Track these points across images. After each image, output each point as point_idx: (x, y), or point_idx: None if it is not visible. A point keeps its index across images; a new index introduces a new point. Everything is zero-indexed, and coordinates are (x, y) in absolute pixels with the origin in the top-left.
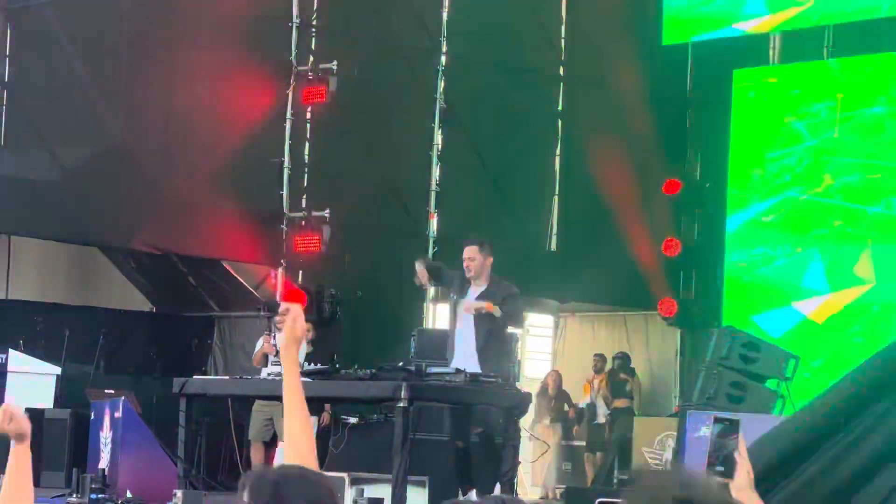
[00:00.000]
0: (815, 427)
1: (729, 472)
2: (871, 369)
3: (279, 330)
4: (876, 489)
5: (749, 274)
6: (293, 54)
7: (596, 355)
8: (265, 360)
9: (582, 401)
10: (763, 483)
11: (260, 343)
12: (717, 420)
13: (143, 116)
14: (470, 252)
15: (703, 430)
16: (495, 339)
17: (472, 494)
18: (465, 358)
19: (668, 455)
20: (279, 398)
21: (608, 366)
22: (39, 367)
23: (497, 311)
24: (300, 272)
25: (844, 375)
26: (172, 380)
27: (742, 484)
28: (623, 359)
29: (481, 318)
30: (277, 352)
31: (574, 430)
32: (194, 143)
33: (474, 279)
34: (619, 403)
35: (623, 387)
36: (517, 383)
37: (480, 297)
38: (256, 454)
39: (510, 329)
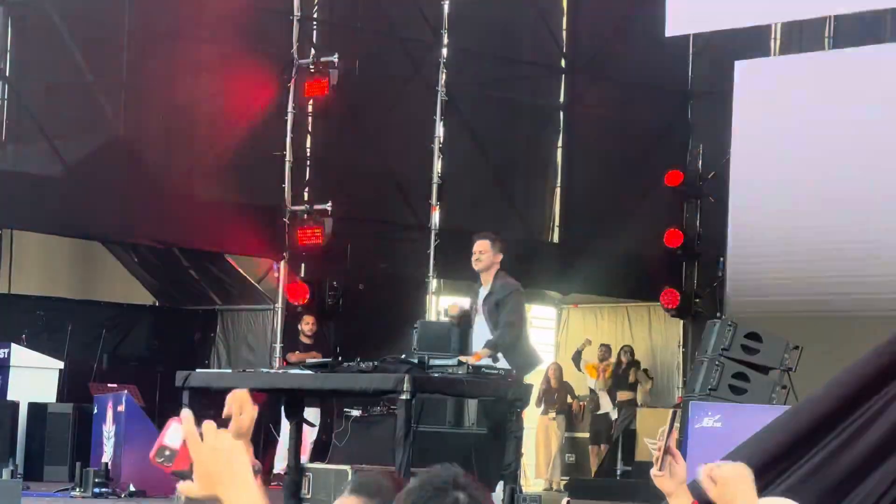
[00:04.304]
0: (820, 415)
1: (662, 466)
2: (876, 357)
3: None
4: (882, 476)
5: None
6: (294, 47)
7: (602, 345)
8: None
9: (590, 382)
10: (767, 473)
11: None
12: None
13: (145, 110)
14: (480, 246)
15: (706, 421)
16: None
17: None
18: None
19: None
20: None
21: (612, 358)
22: (42, 362)
23: (485, 353)
24: (302, 265)
25: (848, 365)
26: (175, 373)
27: (674, 475)
28: (628, 352)
29: (492, 321)
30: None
31: (579, 420)
32: (196, 136)
33: (483, 274)
34: (623, 397)
35: (626, 380)
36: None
37: (486, 299)
38: None
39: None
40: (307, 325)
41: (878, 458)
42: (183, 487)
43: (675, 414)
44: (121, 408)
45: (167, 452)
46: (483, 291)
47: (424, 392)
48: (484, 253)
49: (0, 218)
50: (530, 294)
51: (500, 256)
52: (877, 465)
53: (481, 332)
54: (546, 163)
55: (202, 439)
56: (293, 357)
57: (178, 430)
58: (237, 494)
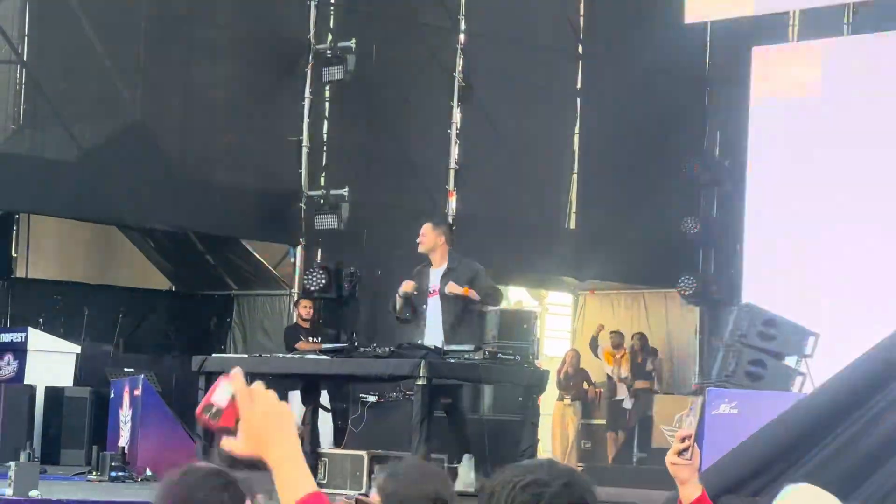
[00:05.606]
0: (833, 405)
1: (691, 455)
2: (888, 348)
3: None
4: (893, 468)
5: None
6: (311, 32)
7: (612, 332)
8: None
9: (607, 369)
10: (781, 461)
11: None
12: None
13: (162, 95)
14: (423, 229)
15: (723, 408)
16: (467, 320)
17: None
18: (433, 336)
19: (685, 429)
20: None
21: (627, 345)
22: (59, 346)
23: (474, 295)
24: (319, 251)
25: (862, 354)
26: (191, 358)
27: (692, 464)
28: (641, 339)
29: (450, 300)
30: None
31: (595, 407)
32: (213, 121)
33: (432, 256)
34: (641, 385)
35: (643, 368)
36: (536, 361)
37: (444, 276)
38: None
39: (530, 308)
40: (304, 308)
41: (892, 447)
42: (227, 444)
43: (703, 402)
44: (137, 392)
45: (214, 409)
46: (438, 271)
47: (440, 378)
48: (425, 235)
49: (17, 202)
50: (547, 280)
51: (443, 238)
52: (891, 454)
53: (435, 313)
54: (563, 149)
55: (252, 398)
56: (303, 346)
57: (226, 389)
58: (282, 456)
